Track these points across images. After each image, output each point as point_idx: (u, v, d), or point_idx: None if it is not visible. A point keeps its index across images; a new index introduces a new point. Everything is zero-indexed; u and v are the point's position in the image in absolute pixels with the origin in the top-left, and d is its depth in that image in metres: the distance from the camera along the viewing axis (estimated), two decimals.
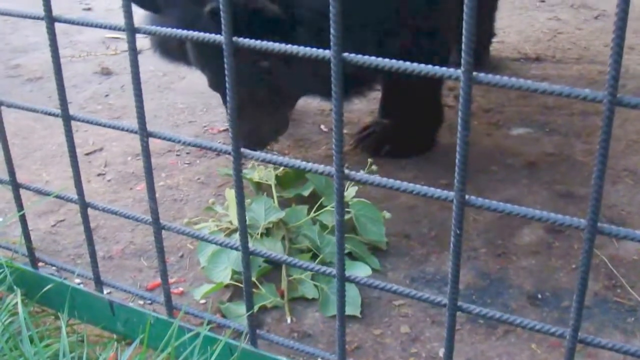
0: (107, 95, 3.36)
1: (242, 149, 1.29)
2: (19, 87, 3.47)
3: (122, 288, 1.72)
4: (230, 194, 2.17)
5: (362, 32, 2.08)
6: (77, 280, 1.96)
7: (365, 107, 3.06)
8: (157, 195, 2.44)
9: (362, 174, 1.22)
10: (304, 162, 1.26)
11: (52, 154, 2.79)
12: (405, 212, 2.33)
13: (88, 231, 1.64)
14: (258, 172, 2.30)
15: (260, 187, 2.31)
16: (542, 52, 3.77)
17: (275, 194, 2.22)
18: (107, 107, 3.23)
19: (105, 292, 1.76)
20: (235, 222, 2.12)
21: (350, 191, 2.22)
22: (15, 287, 1.66)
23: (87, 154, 2.76)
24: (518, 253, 2.13)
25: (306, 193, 2.26)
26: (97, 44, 4.03)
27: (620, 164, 2.60)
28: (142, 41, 2.67)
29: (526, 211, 1.14)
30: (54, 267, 1.99)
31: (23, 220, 1.76)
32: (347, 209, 2.13)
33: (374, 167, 2.29)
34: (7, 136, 1.68)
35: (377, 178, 1.21)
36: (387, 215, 2.21)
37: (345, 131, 2.87)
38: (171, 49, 2.39)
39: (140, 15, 2.28)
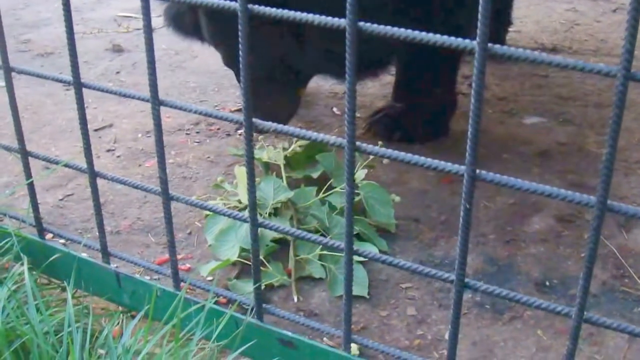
0: (118, 72, 3.35)
1: (254, 119, 1.28)
2: (29, 62, 3.47)
3: (129, 259, 1.72)
4: (240, 171, 2.16)
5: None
6: (84, 254, 1.96)
7: (378, 92, 3.04)
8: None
9: (372, 147, 1.21)
10: (315, 133, 1.24)
11: (62, 129, 2.79)
12: (416, 196, 2.32)
13: (96, 201, 1.63)
14: (267, 152, 2.29)
15: (269, 168, 2.30)
16: (559, 43, 3.74)
17: (284, 175, 2.21)
18: (118, 84, 3.23)
19: (112, 265, 1.75)
20: (244, 200, 2.12)
21: (360, 173, 2.21)
22: (22, 255, 1.66)
23: (96, 130, 2.75)
24: (527, 240, 2.11)
25: (315, 175, 2.25)
26: (109, 22, 4.02)
27: (634, 156, 2.58)
28: (156, 20, 2.67)
29: (536, 187, 1.13)
30: (61, 240, 1.99)
31: (31, 189, 1.75)
32: (356, 191, 2.12)
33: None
34: (15, 98, 1.68)
35: (388, 151, 1.20)
36: (397, 198, 2.20)
37: (357, 115, 2.87)
38: (185, 24, 2.38)
39: None
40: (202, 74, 3.31)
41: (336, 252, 1.93)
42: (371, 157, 2.27)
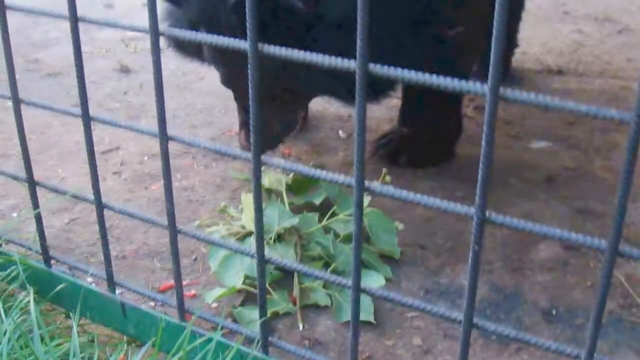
0: (125, 93, 3.36)
1: (263, 156, 1.28)
2: (37, 82, 3.48)
3: (134, 289, 1.72)
4: (246, 198, 2.16)
5: (383, 39, 2.06)
6: (90, 279, 1.96)
7: (384, 114, 3.04)
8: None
9: (381, 186, 1.21)
10: (324, 172, 1.24)
11: (69, 151, 2.79)
12: (421, 223, 2.32)
13: (103, 231, 1.63)
14: (269, 177, 2.29)
15: (271, 193, 2.30)
16: (565, 65, 3.74)
17: (286, 200, 2.21)
18: (125, 104, 3.23)
19: (117, 292, 1.75)
20: (249, 227, 2.12)
21: (365, 199, 2.20)
22: (28, 285, 1.66)
23: (103, 153, 2.76)
24: (534, 268, 2.11)
25: (318, 201, 2.25)
26: (117, 42, 4.03)
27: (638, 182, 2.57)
28: (163, 41, 2.68)
29: (546, 230, 1.12)
30: (67, 266, 1.99)
31: (39, 218, 1.75)
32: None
33: (387, 178, 2.27)
34: (24, 128, 1.68)
35: (397, 191, 1.19)
36: (400, 226, 2.20)
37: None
38: (185, 44, 2.38)
39: (161, 11, 2.27)
40: (209, 95, 3.31)
41: (344, 288, 1.93)
42: (376, 183, 2.26)
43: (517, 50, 3.66)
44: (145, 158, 2.73)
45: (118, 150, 2.79)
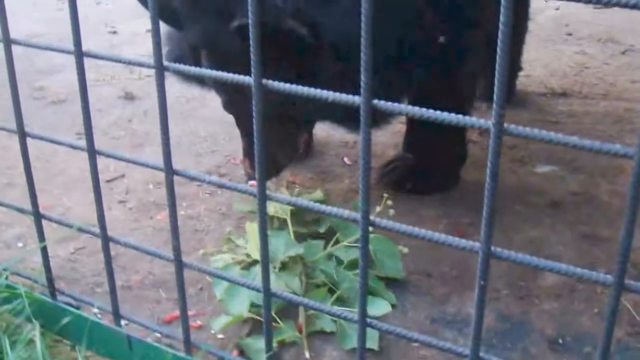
0: (130, 121, 3.37)
1: (268, 193, 1.28)
2: (42, 110, 3.49)
3: (140, 323, 1.71)
4: (251, 228, 2.16)
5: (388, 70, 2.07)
6: (95, 310, 1.95)
7: (389, 140, 3.04)
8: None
9: (387, 222, 1.21)
10: (329, 208, 1.24)
11: (74, 179, 2.80)
12: (427, 249, 2.31)
13: (109, 265, 1.63)
14: (273, 205, 2.29)
15: (274, 221, 2.30)
16: (569, 87, 3.74)
17: (291, 228, 2.21)
18: (130, 132, 3.24)
19: (122, 322, 1.75)
20: (254, 255, 2.12)
21: None
22: (33, 320, 1.66)
23: (108, 181, 2.76)
24: (540, 296, 2.10)
25: (322, 229, 2.26)
26: (121, 68, 4.04)
27: None
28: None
29: (552, 265, 1.12)
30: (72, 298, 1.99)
31: (44, 251, 1.75)
32: None
33: (389, 202, 2.27)
34: (29, 160, 1.69)
35: (403, 226, 1.19)
36: (405, 250, 2.19)
37: (360, 153, 2.87)
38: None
39: (163, 33, 2.29)
40: (213, 122, 3.32)
41: (350, 322, 1.93)
42: (377, 210, 2.27)
43: (521, 73, 3.68)
44: (150, 186, 2.74)
45: (123, 179, 2.80)
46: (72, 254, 2.32)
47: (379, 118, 2.26)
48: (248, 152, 2.43)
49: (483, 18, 2.29)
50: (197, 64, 2.28)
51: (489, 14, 2.13)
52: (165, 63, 1.32)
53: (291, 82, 2.08)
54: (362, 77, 1.11)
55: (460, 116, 1.08)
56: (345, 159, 2.96)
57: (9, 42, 1.52)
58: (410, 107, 1.11)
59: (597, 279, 1.08)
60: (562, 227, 2.45)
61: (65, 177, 2.81)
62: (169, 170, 1.38)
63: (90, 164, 1.51)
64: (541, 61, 4.15)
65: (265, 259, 1.35)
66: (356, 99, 1.14)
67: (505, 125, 1.05)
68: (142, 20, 4.41)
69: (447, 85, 2.44)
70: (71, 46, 1.44)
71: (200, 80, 2.37)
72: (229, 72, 2.12)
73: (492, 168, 1.08)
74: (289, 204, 1.28)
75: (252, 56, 1.19)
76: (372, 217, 1.20)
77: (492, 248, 1.13)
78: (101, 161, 2.85)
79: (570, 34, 4.66)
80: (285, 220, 2.25)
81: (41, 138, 1.61)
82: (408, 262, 2.19)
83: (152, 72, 1.38)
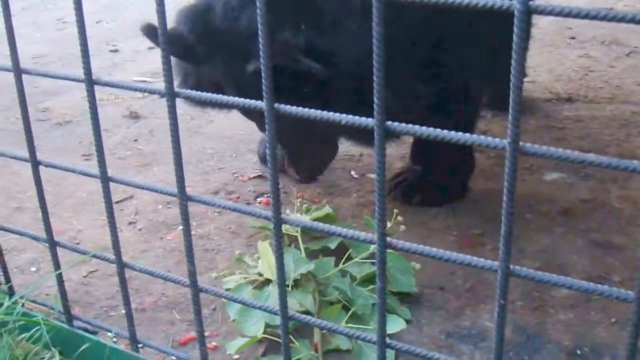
0: (136, 140, 3.37)
1: (283, 216, 1.28)
2: (48, 132, 3.49)
3: (157, 348, 1.71)
4: (262, 246, 2.16)
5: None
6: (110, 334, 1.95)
7: (396, 152, 3.04)
8: None
9: (404, 243, 1.20)
10: (344, 230, 1.24)
11: (84, 202, 2.80)
12: (440, 263, 2.28)
13: (125, 291, 1.63)
14: None
15: (284, 238, 2.29)
16: (574, 92, 3.73)
17: (302, 246, 2.21)
18: (136, 152, 3.25)
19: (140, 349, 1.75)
20: (266, 274, 2.12)
21: None
22: (52, 347, 1.66)
23: (117, 202, 2.76)
24: (556, 306, 2.09)
25: (333, 245, 2.26)
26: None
27: None
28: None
29: (571, 282, 1.11)
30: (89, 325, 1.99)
31: (60, 278, 1.75)
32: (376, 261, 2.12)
33: (399, 218, 2.27)
34: (42, 188, 1.70)
35: (420, 247, 1.19)
36: (417, 266, 2.19)
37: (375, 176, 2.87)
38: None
39: (172, 65, 2.29)
40: (219, 140, 3.32)
41: (362, 328, 1.93)
42: (388, 226, 2.27)
43: (526, 79, 3.67)
44: (160, 206, 2.74)
45: (132, 199, 2.80)
46: (85, 277, 2.32)
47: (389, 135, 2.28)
48: (291, 162, 2.68)
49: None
50: (217, 88, 2.30)
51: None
52: (176, 89, 1.33)
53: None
54: (375, 99, 1.11)
55: (475, 136, 1.08)
56: (352, 173, 2.96)
57: (19, 72, 1.52)
58: (424, 128, 1.11)
59: (619, 295, 1.08)
60: (574, 235, 2.44)
61: (74, 200, 2.81)
62: (183, 197, 1.38)
63: (103, 191, 1.51)
64: (545, 66, 4.15)
65: (282, 281, 1.35)
66: (369, 122, 1.14)
67: (521, 144, 1.05)
68: (143, 37, 4.42)
69: (455, 95, 2.44)
70: (79, 71, 1.44)
71: (215, 105, 2.38)
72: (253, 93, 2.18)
73: (509, 187, 1.08)
74: (304, 227, 1.28)
75: (263, 82, 1.19)
76: (388, 239, 1.20)
77: (511, 267, 1.13)
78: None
79: (573, 38, 4.66)
80: (295, 237, 2.25)
81: (54, 166, 1.61)
82: (421, 276, 2.19)
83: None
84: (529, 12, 0.98)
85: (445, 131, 1.10)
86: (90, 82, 1.43)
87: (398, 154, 3.04)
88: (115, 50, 4.87)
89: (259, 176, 2.95)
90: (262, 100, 1.22)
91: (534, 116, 3.43)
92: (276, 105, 1.21)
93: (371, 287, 2.08)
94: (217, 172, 3.03)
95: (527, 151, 1.06)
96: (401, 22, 2.08)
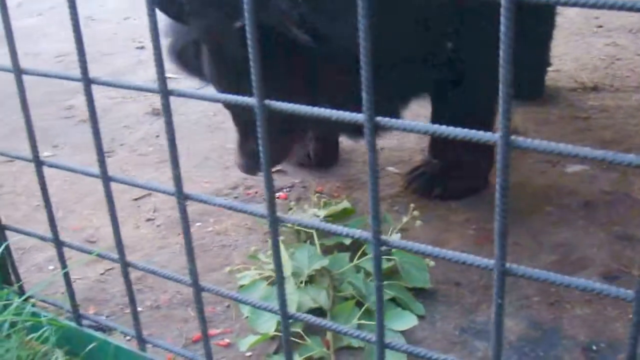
0: (157, 136, 3.38)
1: (279, 215, 1.26)
2: (72, 128, 3.51)
3: (164, 347, 1.70)
4: None
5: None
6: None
7: (416, 145, 3.01)
8: (205, 241, 2.44)
9: (400, 241, 1.18)
10: (340, 227, 1.22)
11: (102, 199, 2.79)
12: None
13: (130, 290, 1.63)
14: (300, 217, 2.27)
15: (300, 234, 2.28)
16: (600, 81, 3.66)
17: (317, 242, 2.19)
18: (158, 148, 3.25)
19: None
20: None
21: (395, 237, 2.18)
22: (58, 347, 1.67)
23: (136, 199, 2.77)
24: (572, 301, 2.05)
25: (348, 241, 2.23)
26: (149, 84, 4.06)
27: None
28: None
29: (577, 282, 1.08)
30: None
31: (67, 278, 1.76)
32: (391, 257, 2.10)
33: (415, 213, 2.24)
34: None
35: (416, 245, 1.17)
36: (432, 263, 2.16)
37: (396, 170, 2.84)
38: (187, 60, 2.39)
39: (166, 25, 2.29)
40: None
41: (373, 326, 1.90)
42: (404, 220, 2.25)
43: (550, 68, 3.61)
44: None
45: (150, 197, 2.80)
46: (102, 274, 2.33)
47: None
48: (241, 146, 2.51)
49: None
50: (198, 57, 2.29)
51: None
52: (170, 88, 1.32)
53: (294, 90, 2.09)
54: (364, 94, 1.08)
55: (466, 130, 1.05)
56: None
57: (19, 72, 1.53)
58: (414, 123, 1.08)
59: (618, 294, 1.05)
60: (595, 228, 2.39)
61: (93, 198, 2.82)
62: (180, 195, 1.37)
63: (105, 190, 1.51)
64: (571, 55, 4.07)
65: (281, 280, 1.33)
66: (359, 117, 1.11)
67: (513, 137, 1.02)
68: None
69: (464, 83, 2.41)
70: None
71: (200, 74, 2.38)
72: (226, 69, 2.15)
73: (502, 184, 1.05)
74: (299, 225, 1.26)
75: (253, 78, 1.17)
76: (383, 237, 1.17)
77: (507, 265, 1.10)
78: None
79: (600, 26, 4.57)
80: (311, 234, 2.23)
81: (56, 166, 1.61)
82: (436, 272, 2.16)
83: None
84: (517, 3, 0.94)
85: (436, 126, 1.07)
86: (87, 82, 1.42)
87: (418, 147, 3.01)
88: (142, 47, 4.88)
89: (279, 170, 2.93)
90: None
91: (557, 106, 3.37)
92: (266, 101, 1.20)
93: (385, 282, 2.06)
94: (236, 168, 3.02)
95: (519, 145, 1.03)
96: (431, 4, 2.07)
